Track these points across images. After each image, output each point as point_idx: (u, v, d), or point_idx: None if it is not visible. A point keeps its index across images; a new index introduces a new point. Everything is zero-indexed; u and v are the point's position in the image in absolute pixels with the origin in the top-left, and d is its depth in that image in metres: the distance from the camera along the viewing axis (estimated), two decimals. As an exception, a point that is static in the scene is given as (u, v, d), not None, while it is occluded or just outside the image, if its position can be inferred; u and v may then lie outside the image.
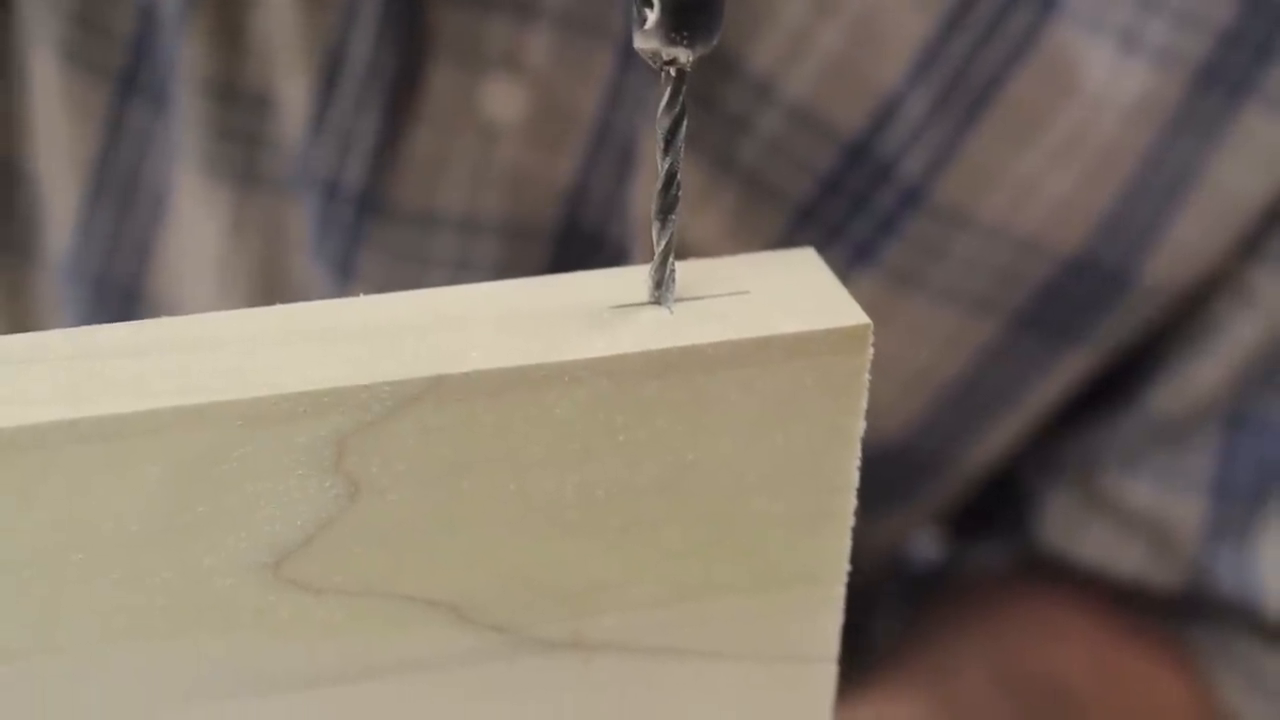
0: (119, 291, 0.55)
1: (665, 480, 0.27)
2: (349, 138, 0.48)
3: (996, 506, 0.61)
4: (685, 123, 0.27)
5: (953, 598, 0.62)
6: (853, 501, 0.29)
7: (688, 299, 0.27)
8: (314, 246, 0.51)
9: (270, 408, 0.25)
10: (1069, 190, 0.49)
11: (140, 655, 0.27)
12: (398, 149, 0.49)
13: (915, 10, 0.46)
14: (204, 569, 0.26)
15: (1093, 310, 0.52)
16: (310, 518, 0.26)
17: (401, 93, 0.48)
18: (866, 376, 0.27)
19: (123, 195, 0.53)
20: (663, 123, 0.27)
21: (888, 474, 0.55)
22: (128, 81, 0.51)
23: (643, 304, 0.27)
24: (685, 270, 0.28)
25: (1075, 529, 0.57)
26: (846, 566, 0.29)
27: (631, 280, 0.28)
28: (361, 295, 0.28)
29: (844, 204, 0.49)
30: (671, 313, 0.27)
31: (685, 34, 0.26)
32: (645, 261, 0.28)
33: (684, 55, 0.26)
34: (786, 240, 0.50)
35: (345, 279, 0.50)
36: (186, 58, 0.49)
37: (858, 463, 0.28)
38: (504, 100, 0.48)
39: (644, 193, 0.49)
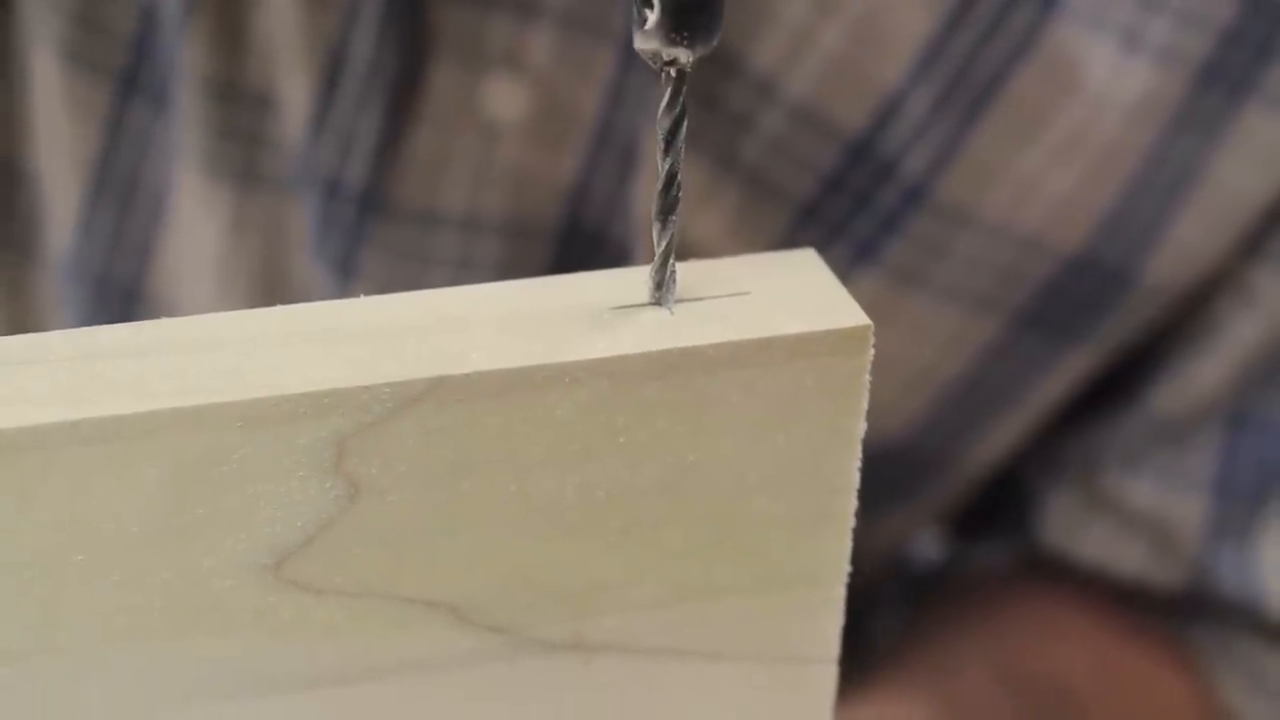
0: (119, 291, 0.55)
1: (666, 481, 0.27)
2: (350, 137, 0.48)
3: (998, 506, 0.61)
4: (686, 123, 0.27)
5: (954, 597, 0.62)
6: (853, 502, 0.29)
7: (688, 300, 0.27)
8: (315, 246, 0.51)
9: (270, 409, 0.25)
10: (1071, 189, 0.49)
11: (140, 656, 0.27)
12: (399, 148, 0.49)
13: (917, 8, 0.46)
14: (204, 570, 0.26)
15: (1094, 309, 0.52)
16: (310, 519, 0.26)
17: (403, 92, 0.48)
18: (867, 377, 0.27)
19: (123, 195, 0.53)
20: (663, 123, 0.27)
21: (890, 473, 0.55)
22: (128, 81, 0.51)
23: (643, 305, 0.27)
24: (686, 271, 0.28)
25: (1076, 528, 0.57)
26: (847, 567, 0.29)
27: (632, 281, 0.28)
28: (362, 295, 0.28)
29: (846, 202, 0.49)
30: (672, 314, 0.27)
31: (685, 34, 0.26)
32: (647, 261, 0.28)
33: (684, 56, 0.26)
34: (789, 239, 0.50)
35: (346, 278, 0.50)
36: (187, 57, 0.49)
37: (858, 464, 0.28)
38: (506, 99, 0.48)
39: (646, 192, 0.49)
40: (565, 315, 0.27)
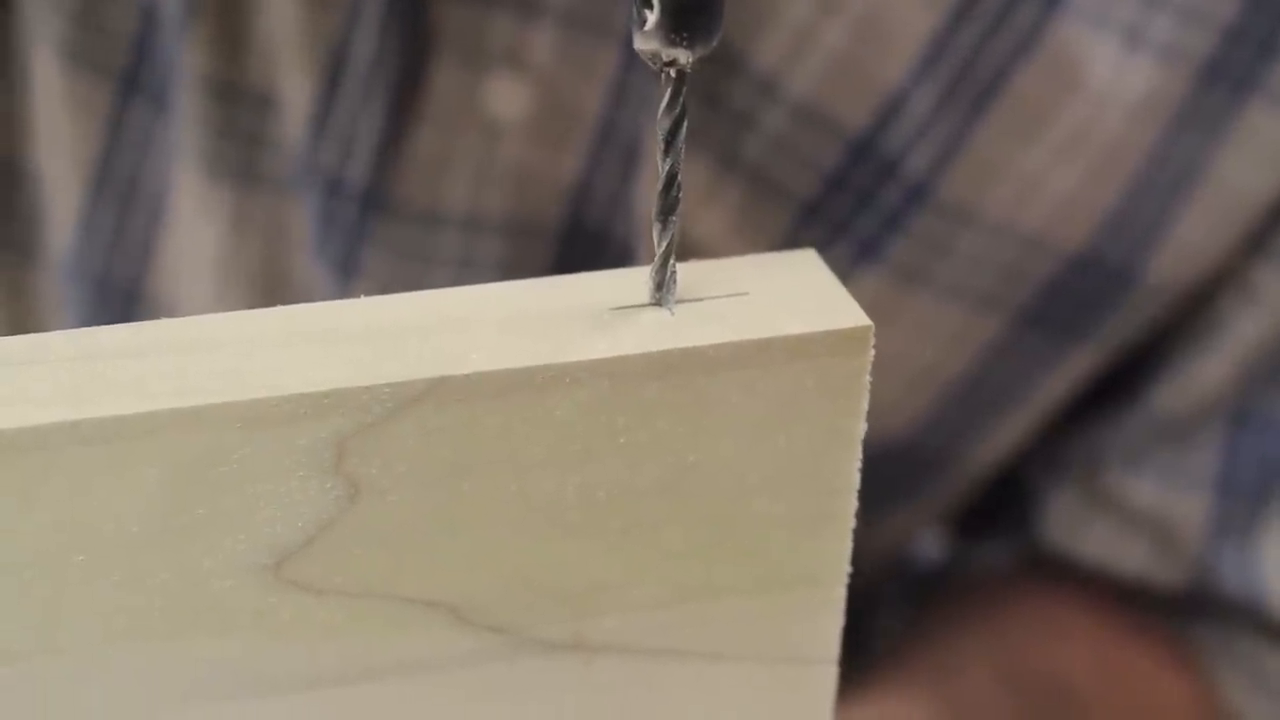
0: (120, 291, 0.55)
1: (666, 482, 0.27)
2: (352, 136, 0.48)
3: (1000, 505, 0.61)
4: (686, 124, 0.27)
5: (955, 596, 0.62)
6: (854, 503, 0.29)
7: (688, 300, 0.27)
8: (316, 246, 0.51)
9: (270, 409, 0.25)
10: (1073, 187, 0.49)
11: (140, 656, 0.27)
12: (401, 147, 0.49)
13: (920, 6, 0.46)
14: (204, 570, 0.26)
15: (1097, 308, 0.51)
16: (310, 519, 0.26)
17: (405, 91, 0.48)
18: (867, 378, 0.27)
19: (124, 195, 0.53)
20: (663, 124, 0.27)
21: (892, 473, 0.55)
22: (129, 81, 0.51)
23: (644, 305, 0.27)
24: (686, 271, 0.28)
25: (1078, 527, 0.57)
26: (847, 568, 0.29)
27: (632, 281, 0.28)
28: (363, 295, 0.28)
29: (849, 201, 0.49)
30: (672, 314, 0.27)
31: (685, 35, 0.26)
32: (650, 260, 0.28)
33: (684, 56, 0.26)
34: (792, 237, 0.50)
35: (348, 278, 0.50)
36: (188, 57, 0.49)
37: (859, 464, 0.28)
38: (508, 98, 0.48)
39: (648, 191, 0.49)
40: (566, 316, 0.27)
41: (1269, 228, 0.51)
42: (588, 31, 0.47)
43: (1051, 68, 0.47)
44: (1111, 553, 0.56)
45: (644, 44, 0.26)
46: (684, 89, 0.27)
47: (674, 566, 0.28)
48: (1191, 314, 0.53)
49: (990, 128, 0.48)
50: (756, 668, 0.30)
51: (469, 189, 0.49)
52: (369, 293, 0.28)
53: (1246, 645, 0.55)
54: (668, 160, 0.27)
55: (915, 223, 0.49)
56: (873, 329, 0.27)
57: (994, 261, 0.50)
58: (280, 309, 0.27)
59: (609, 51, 0.48)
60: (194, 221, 0.52)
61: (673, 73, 0.26)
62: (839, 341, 0.27)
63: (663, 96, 0.27)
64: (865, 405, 0.28)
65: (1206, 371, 0.53)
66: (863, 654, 0.58)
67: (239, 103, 0.49)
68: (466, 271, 0.50)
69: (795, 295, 0.28)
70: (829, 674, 0.30)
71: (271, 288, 0.52)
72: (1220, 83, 0.48)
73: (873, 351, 0.27)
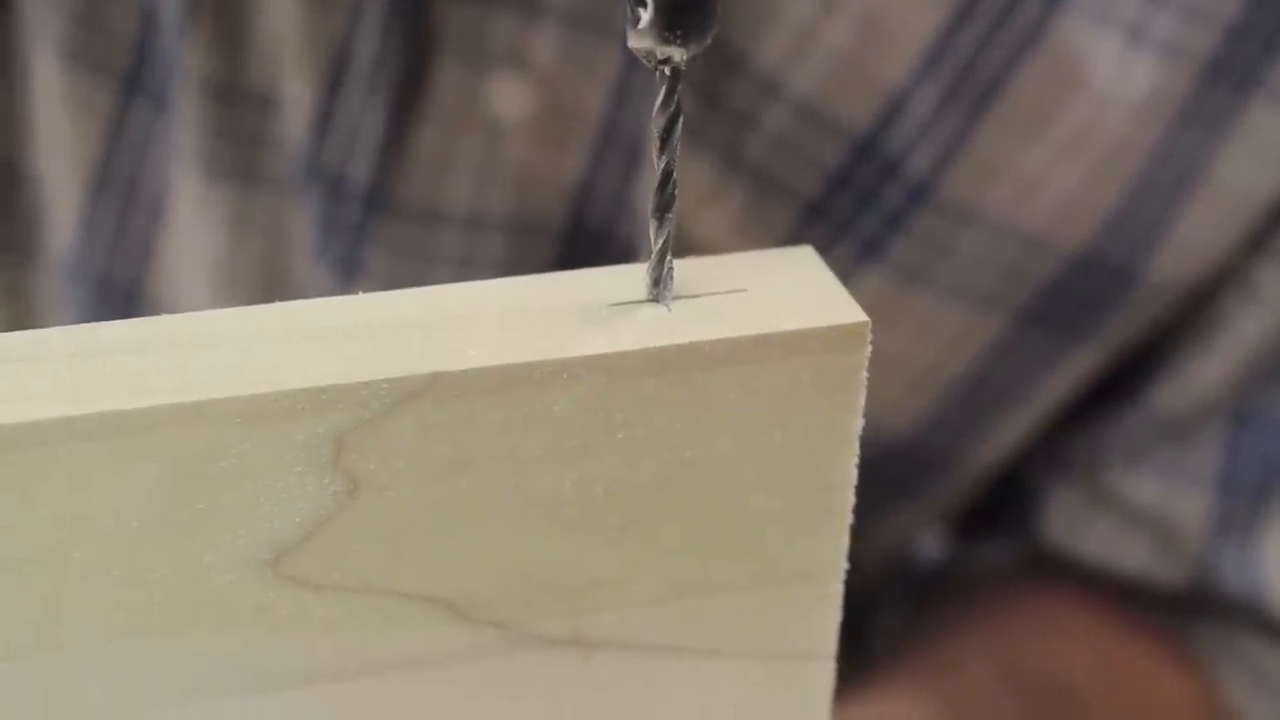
0: (120, 292, 0.55)
1: (664, 477, 0.27)
2: (354, 137, 0.49)
3: (1001, 505, 0.61)
4: (681, 121, 0.27)
5: (956, 595, 0.62)
6: (851, 499, 0.29)
7: (686, 297, 0.28)
8: (317, 246, 0.51)
9: (269, 405, 0.25)
10: (1075, 186, 0.49)
11: (140, 652, 0.27)
12: (403, 147, 0.49)
13: (922, 6, 0.46)
14: (203, 566, 0.26)
15: (1099, 307, 0.51)
16: (309, 515, 0.26)
17: (407, 91, 0.48)
18: (864, 374, 0.27)
19: (124, 196, 0.53)
20: (658, 121, 0.27)
21: (894, 472, 0.55)
22: (130, 82, 0.51)
23: (641, 302, 0.28)
24: (683, 268, 0.28)
25: (1079, 526, 0.57)
26: (844, 564, 0.29)
27: (630, 278, 0.28)
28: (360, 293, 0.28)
29: (851, 201, 0.49)
30: (670, 310, 0.27)
31: (679, 33, 0.26)
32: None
33: (678, 54, 0.26)
34: (795, 237, 0.50)
35: (349, 278, 0.50)
36: (188, 58, 0.49)
37: (856, 460, 0.28)
38: (510, 98, 0.48)
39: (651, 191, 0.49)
40: (563, 311, 0.27)
41: (1270, 226, 0.51)
42: (590, 31, 0.47)
43: (1053, 67, 0.47)
44: (1112, 552, 0.56)
45: (638, 42, 0.26)
46: (679, 86, 0.27)
47: (671, 562, 0.29)
48: (1193, 313, 0.53)
49: (992, 127, 0.48)
50: (754, 664, 0.30)
51: (471, 189, 0.49)
52: (369, 292, 0.28)
53: (1247, 644, 0.55)
54: (664, 157, 0.27)
55: (917, 222, 0.49)
56: (870, 325, 0.27)
57: (996, 261, 0.50)
58: (279, 305, 0.27)
59: (611, 51, 0.48)
60: (194, 222, 0.52)
61: (667, 70, 0.27)
62: (836, 337, 0.27)
63: (658, 94, 0.27)
64: (862, 401, 0.28)
65: (1208, 370, 0.53)
66: (863, 653, 0.58)
67: (239, 103, 0.49)
68: (468, 272, 0.50)
69: (793, 292, 0.28)
70: (826, 670, 0.31)
71: (272, 288, 0.52)
72: (1223, 81, 0.47)
73: (870, 347, 0.27)
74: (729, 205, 0.49)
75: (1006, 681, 0.54)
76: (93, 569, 0.26)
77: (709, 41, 0.26)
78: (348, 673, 0.28)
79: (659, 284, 0.27)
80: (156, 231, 0.54)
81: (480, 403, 0.26)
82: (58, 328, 0.26)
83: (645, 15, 0.25)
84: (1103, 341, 0.53)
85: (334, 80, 0.48)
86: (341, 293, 0.50)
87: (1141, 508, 0.55)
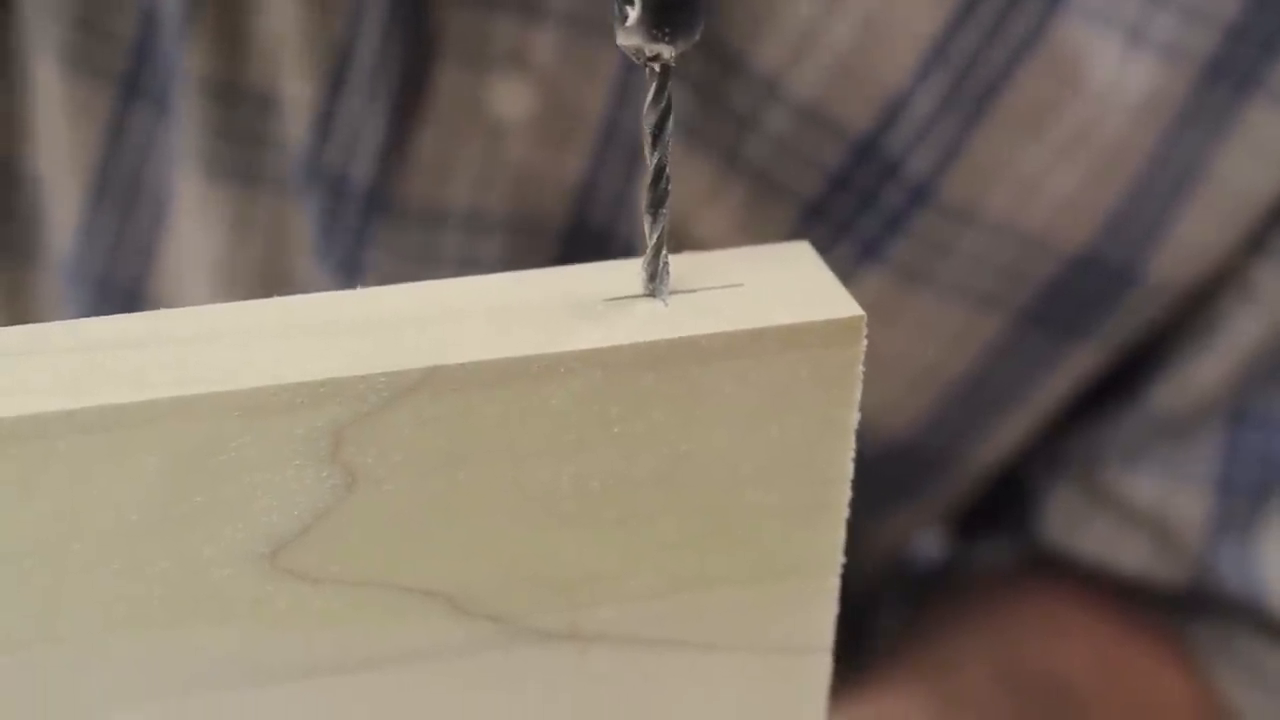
0: (121, 294, 0.55)
1: (660, 472, 0.28)
2: (355, 138, 0.49)
3: (999, 504, 0.61)
4: (672, 117, 0.27)
5: (955, 594, 0.62)
6: (847, 493, 0.29)
7: (682, 291, 0.28)
8: (318, 247, 0.51)
9: (268, 398, 0.25)
10: (1075, 187, 0.49)
11: (140, 645, 0.27)
12: (404, 149, 0.49)
13: (923, 7, 0.46)
14: (203, 559, 0.26)
15: (1099, 308, 0.52)
16: (307, 508, 0.26)
17: (408, 92, 0.48)
18: (860, 368, 0.28)
19: (125, 197, 0.53)
20: (649, 118, 0.27)
21: (894, 472, 0.55)
22: (130, 84, 0.51)
23: (638, 296, 0.28)
24: (679, 263, 0.28)
25: (1078, 525, 0.57)
26: (841, 558, 0.30)
27: (626, 273, 0.28)
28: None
29: (852, 201, 0.49)
30: (666, 305, 0.27)
31: (667, 30, 0.26)
32: (652, 257, 0.28)
33: (667, 51, 0.26)
34: (795, 237, 0.50)
35: (350, 279, 0.50)
36: (188, 59, 0.49)
37: (852, 454, 0.28)
38: (511, 99, 0.48)
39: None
40: (560, 306, 0.27)
41: (1269, 227, 0.51)
42: (590, 32, 0.47)
43: (1053, 68, 0.47)
44: (1111, 551, 0.56)
45: (626, 40, 0.26)
46: (669, 83, 0.27)
47: (668, 556, 0.29)
48: (1192, 313, 0.53)
49: (992, 128, 0.48)
50: (750, 657, 0.30)
51: (472, 189, 0.50)
52: None
53: (1246, 643, 0.55)
54: (656, 153, 0.27)
55: (917, 223, 0.49)
56: (865, 319, 0.27)
57: (995, 261, 0.50)
58: (277, 300, 0.27)
59: (612, 51, 0.48)
60: (195, 223, 0.52)
61: (657, 67, 0.27)
62: (832, 331, 0.27)
63: (648, 91, 0.27)
64: (858, 395, 0.28)
65: (1206, 370, 0.53)
66: (862, 653, 0.58)
67: (240, 104, 0.49)
68: (469, 272, 0.50)
69: (788, 286, 0.28)
70: (823, 664, 0.31)
71: (272, 288, 0.52)
72: (1222, 81, 0.48)
73: (865, 341, 0.27)
74: (729, 205, 0.49)
75: (1005, 680, 0.54)
76: (92, 562, 0.26)
77: (697, 38, 0.26)
78: (346, 666, 0.28)
79: (655, 279, 0.28)
80: (157, 233, 0.54)
81: (477, 397, 0.26)
82: (57, 322, 0.26)
83: (633, 13, 0.26)
84: (1102, 341, 0.53)
85: (335, 81, 0.48)
86: (342, 292, 0.50)
87: (1140, 507, 0.55)
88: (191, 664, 0.28)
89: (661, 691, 0.30)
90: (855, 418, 0.28)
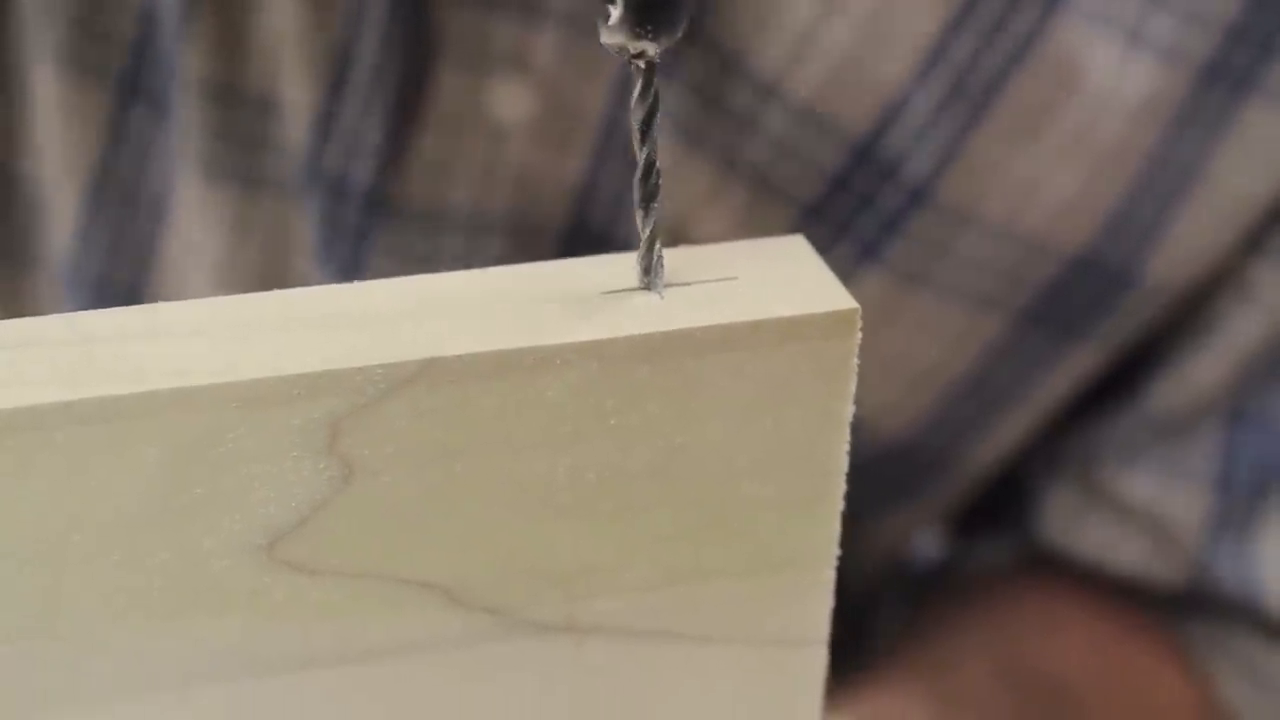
0: (120, 296, 0.55)
1: (656, 464, 0.28)
2: (356, 140, 0.49)
3: (998, 503, 0.61)
4: (659, 112, 0.27)
5: (953, 593, 0.62)
6: (842, 486, 0.29)
7: (677, 285, 0.28)
8: (319, 249, 0.51)
9: (265, 390, 0.25)
10: (1073, 189, 0.49)
11: (139, 636, 0.27)
12: (405, 150, 0.49)
13: (922, 9, 0.46)
14: (201, 551, 0.27)
15: (1097, 309, 0.52)
16: (304, 499, 0.26)
17: (408, 94, 0.48)
18: (855, 361, 0.28)
19: (124, 200, 0.53)
20: (637, 113, 0.27)
21: (893, 473, 0.55)
22: (128, 85, 0.51)
23: (634, 289, 0.28)
24: (675, 257, 0.28)
25: (1076, 524, 0.57)
26: (836, 550, 0.30)
27: (622, 267, 0.28)
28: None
29: (851, 202, 0.49)
30: (662, 298, 0.27)
31: (649, 28, 0.26)
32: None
33: (651, 48, 0.26)
34: (794, 238, 0.50)
35: (350, 280, 0.50)
36: (187, 61, 0.49)
37: (847, 447, 0.28)
38: (511, 101, 0.49)
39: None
40: (556, 299, 0.27)
41: (1267, 227, 0.51)
42: (590, 33, 0.47)
43: (1052, 69, 0.47)
44: (1108, 550, 0.56)
45: (610, 38, 0.26)
46: (654, 78, 0.27)
47: (664, 548, 0.29)
48: (1190, 313, 0.53)
49: (990, 130, 0.48)
50: (746, 649, 0.30)
51: (473, 191, 0.50)
52: None
53: (1243, 643, 0.55)
54: (645, 148, 0.28)
55: (916, 224, 0.49)
56: (859, 311, 0.27)
57: (994, 263, 0.50)
58: (276, 293, 0.28)
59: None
60: (195, 225, 0.52)
61: (642, 64, 0.27)
62: (827, 324, 0.27)
63: (634, 87, 0.27)
64: (853, 388, 0.28)
65: (1204, 370, 0.53)
66: (862, 652, 0.58)
67: (240, 106, 0.49)
68: None
69: (783, 279, 0.28)
70: (819, 656, 0.31)
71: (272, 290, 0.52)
72: (1220, 83, 0.48)
73: (860, 334, 0.27)
74: (728, 207, 0.49)
75: (1003, 678, 0.54)
76: (91, 554, 0.26)
77: (680, 34, 0.26)
78: (344, 658, 0.28)
79: (649, 273, 0.28)
80: (156, 235, 0.54)
81: (474, 388, 0.26)
82: (55, 315, 0.27)
83: (615, 12, 0.26)
84: (1101, 342, 0.53)
85: (335, 83, 0.48)
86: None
87: (1138, 507, 0.55)
88: (190, 655, 0.28)
89: (657, 683, 0.31)
90: (850, 410, 0.28)
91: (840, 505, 0.29)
